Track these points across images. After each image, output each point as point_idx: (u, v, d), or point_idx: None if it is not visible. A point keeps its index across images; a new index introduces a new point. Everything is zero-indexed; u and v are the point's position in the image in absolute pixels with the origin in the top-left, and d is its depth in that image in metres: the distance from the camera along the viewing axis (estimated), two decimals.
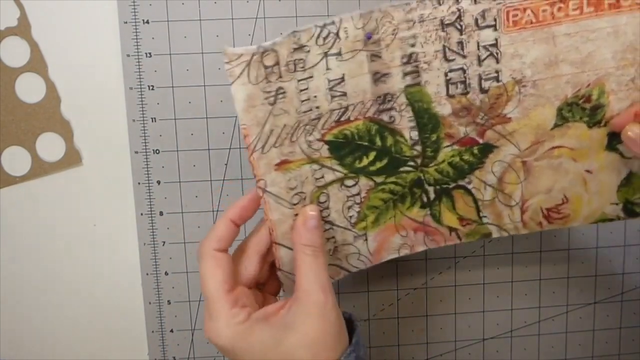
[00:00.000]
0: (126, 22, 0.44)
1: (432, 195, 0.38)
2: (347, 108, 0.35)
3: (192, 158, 0.46)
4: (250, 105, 0.34)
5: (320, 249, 0.35)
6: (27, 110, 0.44)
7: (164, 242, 0.47)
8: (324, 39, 0.34)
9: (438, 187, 0.37)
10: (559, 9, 0.34)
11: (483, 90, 0.35)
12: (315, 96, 0.34)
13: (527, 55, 0.34)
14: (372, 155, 0.36)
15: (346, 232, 0.38)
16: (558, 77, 0.35)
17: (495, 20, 0.34)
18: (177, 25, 0.44)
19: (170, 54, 0.44)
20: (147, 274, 0.47)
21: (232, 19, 0.44)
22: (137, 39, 0.44)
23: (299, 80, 0.34)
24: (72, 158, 0.45)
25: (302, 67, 0.34)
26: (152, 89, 0.44)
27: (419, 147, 0.36)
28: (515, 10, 0.34)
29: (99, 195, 0.46)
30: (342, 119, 0.35)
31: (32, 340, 0.48)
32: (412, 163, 0.37)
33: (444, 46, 0.34)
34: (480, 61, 0.35)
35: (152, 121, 0.45)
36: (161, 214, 0.46)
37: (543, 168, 0.37)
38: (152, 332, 0.48)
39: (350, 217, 0.38)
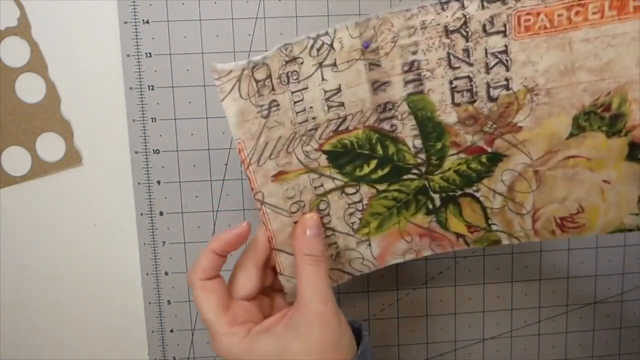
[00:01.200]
0: (126, 22, 0.44)
1: (437, 203, 0.37)
2: (345, 118, 0.34)
3: (192, 158, 0.46)
4: (243, 119, 0.33)
5: (322, 258, 0.35)
6: (27, 110, 0.44)
7: (164, 242, 0.47)
8: (318, 50, 0.33)
9: (444, 194, 0.37)
10: (577, 13, 0.32)
11: (491, 99, 0.34)
12: (311, 107, 0.34)
13: (541, 63, 0.33)
14: (373, 163, 0.36)
15: (348, 237, 0.38)
16: (574, 85, 0.33)
17: (504, 25, 0.32)
18: (177, 25, 0.44)
19: (170, 54, 0.44)
20: (147, 274, 0.47)
21: (232, 19, 0.44)
22: (137, 39, 0.44)
23: (292, 92, 0.33)
24: (72, 158, 0.45)
25: (296, 79, 0.33)
26: (152, 89, 0.44)
27: (422, 155, 0.35)
28: (527, 15, 0.32)
29: (99, 195, 0.46)
30: (341, 128, 0.35)
31: (32, 340, 0.48)
32: (416, 171, 0.36)
33: (448, 53, 0.33)
34: (488, 69, 0.33)
35: (152, 121, 0.45)
36: (161, 214, 0.46)
37: (557, 178, 0.35)
38: (152, 332, 0.48)
39: (352, 223, 0.37)
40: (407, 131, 0.35)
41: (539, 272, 0.49)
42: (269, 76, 0.33)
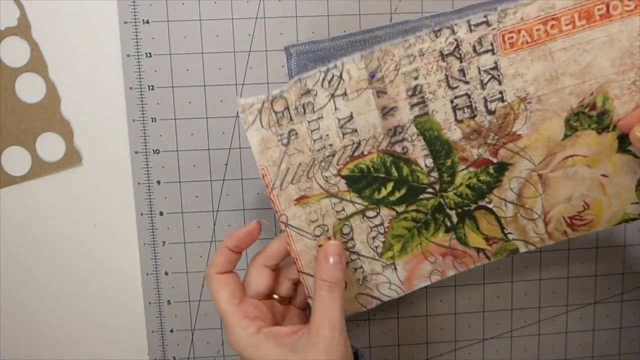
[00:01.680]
0: (126, 22, 0.44)
1: (454, 219, 0.39)
2: (359, 143, 0.37)
3: (192, 158, 0.46)
4: (265, 147, 0.36)
5: (338, 285, 0.36)
6: (27, 110, 0.44)
7: (164, 242, 0.47)
8: (329, 82, 0.36)
9: (459, 210, 0.38)
10: (552, 26, 0.35)
11: (490, 112, 0.36)
12: (327, 135, 0.37)
13: (528, 74, 0.36)
14: (390, 185, 0.38)
15: (373, 262, 0.39)
16: (561, 90, 0.36)
17: (492, 44, 0.35)
18: (177, 25, 0.44)
19: (170, 54, 0.44)
20: (147, 274, 0.47)
21: (232, 19, 0.44)
22: (137, 39, 0.44)
23: (309, 122, 0.36)
24: (72, 158, 0.45)
25: (312, 109, 0.36)
26: (152, 89, 0.44)
27: (435, 174, 0.38)
28: (510, 33, 0.35)
29: (99, 195, 0.46)
30: (356, 153, 0.37)
31: (32, 340, 0.48)
32: (430, 190, 0.38)
33: (446, 75, 0.36)
34: (483, 85, 0.36)
35: (152, 121, 0.45)
36: (161, 214, 0.46)
37: (559, 178, 0.38)
38: (152, 332, 0.48)
39: (376, 247, 0.39)
40: (418, 152, 0.37)
41: (539, 272, 0.49)
42: (287, 107, 0.36)
